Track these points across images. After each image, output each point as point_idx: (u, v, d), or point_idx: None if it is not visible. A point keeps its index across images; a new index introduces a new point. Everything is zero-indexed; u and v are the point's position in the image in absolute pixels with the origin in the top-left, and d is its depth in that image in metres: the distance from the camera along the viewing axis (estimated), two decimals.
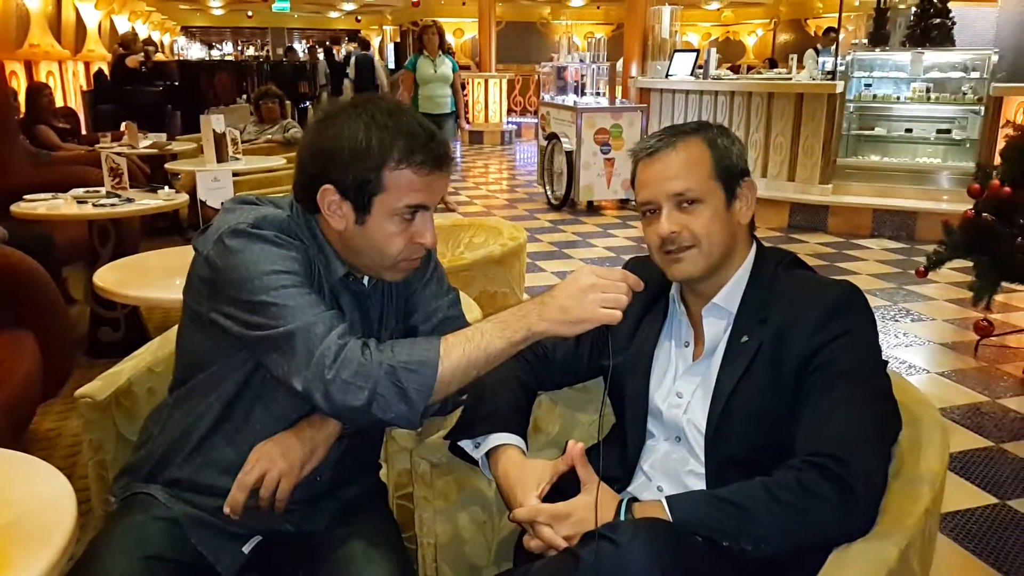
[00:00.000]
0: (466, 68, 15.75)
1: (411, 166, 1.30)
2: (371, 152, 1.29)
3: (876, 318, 1.36)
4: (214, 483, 1.40)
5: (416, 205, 1.32)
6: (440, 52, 7.43)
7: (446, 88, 7.46)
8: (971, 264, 3.96)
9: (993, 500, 2.71)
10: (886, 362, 1.34)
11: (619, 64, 10.10)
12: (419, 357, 1.23)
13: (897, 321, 4.58)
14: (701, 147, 1.38)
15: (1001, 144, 4.20)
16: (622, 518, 1.22)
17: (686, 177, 1.36)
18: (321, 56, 16.05)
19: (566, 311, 1.23)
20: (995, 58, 6.63)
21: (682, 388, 1.43)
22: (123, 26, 14.35)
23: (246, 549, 1.45)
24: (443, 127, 7.29)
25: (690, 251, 1.37)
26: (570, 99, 8.46)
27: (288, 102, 7.49)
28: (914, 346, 4.22)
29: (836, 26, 8.46)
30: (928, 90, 6.96)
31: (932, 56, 7.04)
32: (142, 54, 9.95)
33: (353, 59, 13.46)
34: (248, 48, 28.41)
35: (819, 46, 10.27)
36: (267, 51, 26.46)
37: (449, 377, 1.24)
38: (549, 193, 8.23)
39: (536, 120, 9.79)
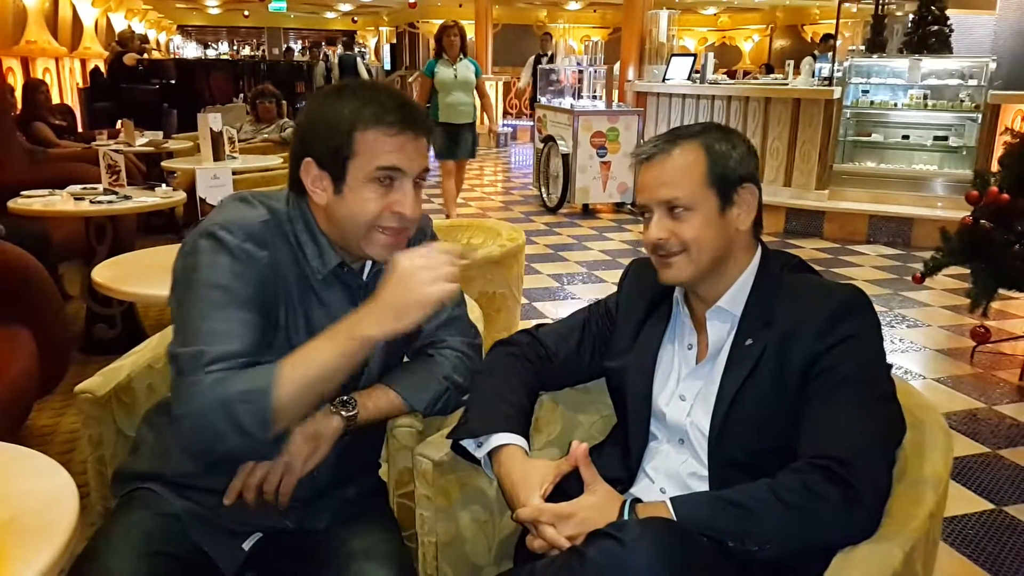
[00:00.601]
0: None
1: (380, 126, 1.31)
2: (342, 119, 1.31)
3: None
4: (209, 485, 1.40)
5: (388, 168, 1.32)
6: (461, 55, 6.69)
7: (468, 95, 6.71)
8: (968, 271, 3.97)
9: (990, 506, 2.72)
10: (890, 366, 1.34)
11: (616, 68, 10.11)
12: (253, 386, 1.21)
13: (893, 327, 4.59)
14: (697, 153, 1.37)
15: (999, 151, 4.21)
16: (625, 518, 1.22)
17: (676, 185, 1.36)
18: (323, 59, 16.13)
19: (394, 305, 1.22)
20: (993, 65, 6.66)
21: (685, 391, 1.43)
22: (119, 24, 14.32)
23: (246, 546, 1.45)
24: (462, 137, 6.71)
25: (678, 257, 1.37)
26: (567, 102, 8.47)
27: (285, 102, 7.48)
28: (910, 352, 4.23)
29: (834, 32, 8.49)
30: (925, 97, 6.99)
31: (929, 63, 7.07)
32: (138, 51, 9.93)
33: (337, 58, 13.64)
34: (244, 48, 28.37)
35: (816, 52, 10.29)
36: (263, 51, 26.43)
37: (287, 402, 1.22)
38: (545, 196, 8.23)
39: (531, 123, 9.80)
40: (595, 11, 20.27)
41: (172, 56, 19.10)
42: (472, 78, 6.69)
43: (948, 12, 7.57)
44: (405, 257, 1.24)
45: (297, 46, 23.21)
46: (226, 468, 1.37)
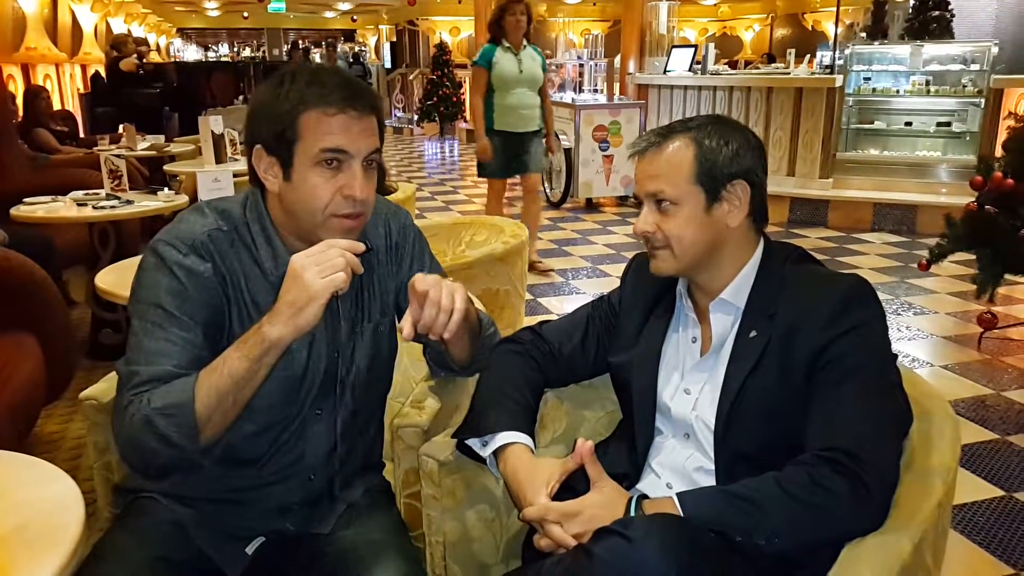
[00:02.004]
0: (463, 67, 15.72)
1: (320, 106, 1.29)
2: (284, 103, 1.30)
3: None
4: (209, 495, 1.41)
5: (333, 149, 1.30)
6: (525, 42, 5.05)
7: (536, 95, 5.10)
8: (973, 257, 3.95)
9: (1000, 492, 2.71)
10: (896, 356, 1.34)
11: (617, 60, 10.09)
12: (174, 400, 1.22)
13: (899, 315, 4.57)
14: (685, 149, 1.36)
15: (1003, 136, 4.19)
16: (632, 515, 1.22)
17: (662, 179, 1.36)
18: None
19: (293, 303, 1.22)
20: (995, 50, 6.62)
21: (690, 384, 1.43)
22: (119, 28, 14.32)
23: (249, 550, 1.45)
24: (527, 149, 5.15)
25: (663, 251, 1.39)
26: (568, 96, 8.45)
27: None
28: (917, 340, 4.22)
29: (836, 20, 8.45)
30: (928, 83, 6.95)
31: (931, 49, 7.03)
32: (135, 56, 9.91)
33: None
34: (244, 49, 28.41)
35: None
36: (263, 52, 26.46)
37: (207, 412, 1.23)
38: (548, 191, 8.22)
39: None
40: (595, 4, 20.20)
41: (172, 59, 19.13)
42: (540, 73, 5.13)
43: None
44: (298, 255, 1.25)
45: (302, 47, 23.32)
46: (216, 479, 1.38)
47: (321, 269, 1.22)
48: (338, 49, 15.76)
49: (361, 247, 1.28)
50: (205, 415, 1.22)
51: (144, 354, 1.27)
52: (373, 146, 1.34)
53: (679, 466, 1.41)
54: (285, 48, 25.28)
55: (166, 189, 4.35)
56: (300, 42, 21.71)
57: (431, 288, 1.31)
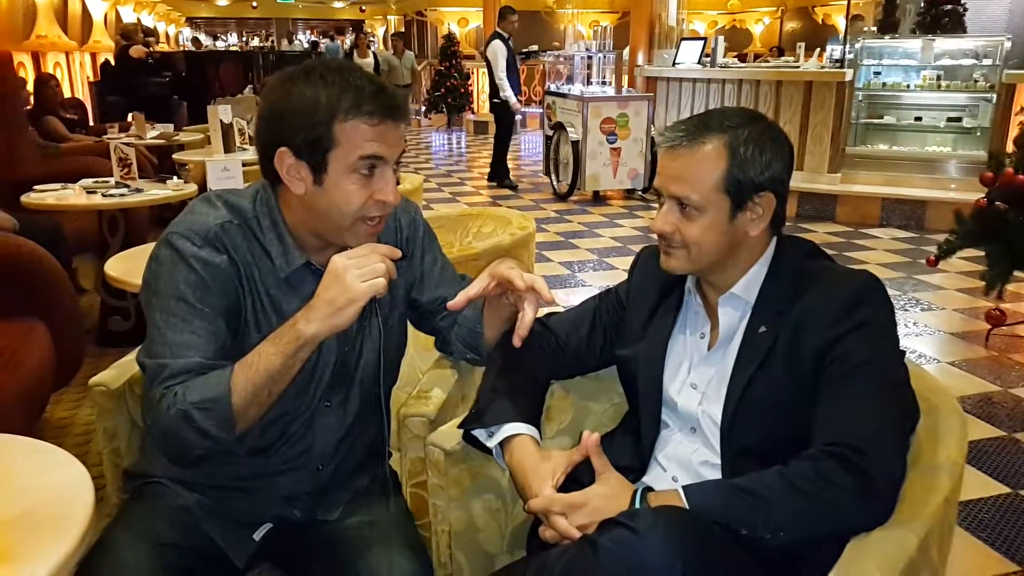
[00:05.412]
0: (470, 58, 15.68)
1: (360, 116, 1.28)
2: (319, 108, 1.27)
3: None
4: (218, 483, 1.43)
5: (371, 156, 1.29)
6: None
7: None
8: (982, 253, 3.93)
9: (1006, 490, 2.70)
10: (904, 352, 1.33)
11: (625, 53, 10.04)
12: (211, 395, 1.23)
13: (907, 311, 4.56)
14: (718, 154, 1.32)
15: (1015, 132, 4.17)
16: (637, 507, 1.22)
17: (689, 183, 1.33)
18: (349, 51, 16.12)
19: (331, 302, 1.23)
20: (1007, 45, 6.57)
21: (697, 379, 1.42)
22: (129, 17, 14.34)
23: (256, 536, 1.46)
24: None
25: (679, 251, 1.37)
26: (576, 88, 8.42)
27: None
28: (924, 336, 4.21)
29: (846, 14, 8.40)
30: (939, 78, 6.91)
31: (943, 43, 6.98)
32: (143, 44, 9.92)
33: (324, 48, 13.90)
34: (253, 39, 28.41)
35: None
36: (272, 41, 26.47)
37: (243, 406, 1.24)
38: (555, 183, 8.21)
39: (541, 109, 9.75)
40: None
41: (181, 48, 19.13)
42: None
43: None
44: (339, 256, 1.25)
45: (307, 36, 23.35)
46: (218, 465, 1.38)
47: (363, 273, 1.23)
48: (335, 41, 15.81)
49: (399, 253, 1.30)
50: (242, 408, 1.24)
51: (170, 347, 1.27)
52: (402, 149, 1.36)
53: (685, 460, 1.41)
54: (295, 37, 25.24)
55: (175, 178, 4.36)
56: (364, 28, 21.54)
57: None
